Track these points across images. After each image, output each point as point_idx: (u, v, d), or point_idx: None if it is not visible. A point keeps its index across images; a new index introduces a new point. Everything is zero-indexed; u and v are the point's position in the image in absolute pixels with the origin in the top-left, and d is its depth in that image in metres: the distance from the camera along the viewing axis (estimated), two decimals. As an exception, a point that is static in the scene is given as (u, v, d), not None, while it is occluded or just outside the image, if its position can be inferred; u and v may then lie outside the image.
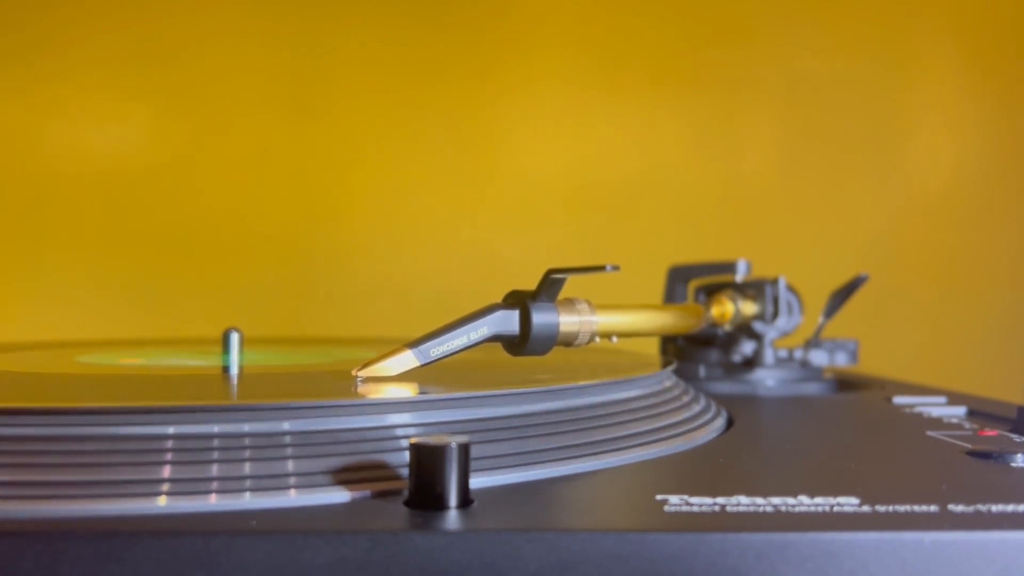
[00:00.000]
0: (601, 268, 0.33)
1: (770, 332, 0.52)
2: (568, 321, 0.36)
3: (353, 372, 0.34)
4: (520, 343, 0.35)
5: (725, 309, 0.51)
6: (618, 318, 0.40)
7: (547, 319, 0.35)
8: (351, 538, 0.22)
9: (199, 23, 0.86)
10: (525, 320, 0.35)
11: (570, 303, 0.37)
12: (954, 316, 0.92)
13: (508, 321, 0.35)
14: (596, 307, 0.38)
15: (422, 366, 0.34)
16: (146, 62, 0.86)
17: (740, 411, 0.43)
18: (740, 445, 0.35)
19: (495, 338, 0.35)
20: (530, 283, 0.36)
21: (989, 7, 0.93)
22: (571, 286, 0.36)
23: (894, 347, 0.88)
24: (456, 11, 0.89)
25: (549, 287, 0.35)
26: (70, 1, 0.84)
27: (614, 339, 0.40)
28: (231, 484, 0.25)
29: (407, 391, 0.32)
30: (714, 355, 0.54)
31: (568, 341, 0.37)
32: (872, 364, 0.63)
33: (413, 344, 0.34)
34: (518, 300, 0.36)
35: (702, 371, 0.53)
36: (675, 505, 0.25)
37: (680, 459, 0.32)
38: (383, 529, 0.22)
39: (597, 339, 0.38)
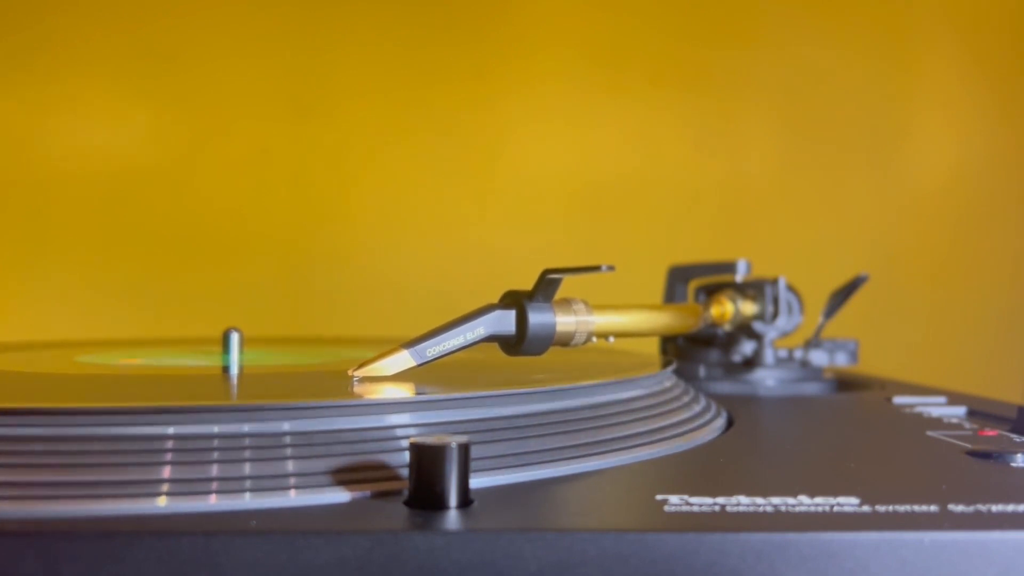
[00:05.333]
0: (596, 268, 0.33)
1: (770, 332, 0.52)
2: (565, 321, 0.36)
3: (349, 372, 0.34)
4: (516, 343, 0.35)
5: (725, 309, 0.51)
6: (615, 318, 0.40)
7: (543, 319, 0.35)
8: (351, 538, 0.22)
9: (199, 24, 0.86)
10: (521, 320, 0.35)
11: (567, 303, 0.37)
12: (954, 316, 0.92)
13: (504, 321, 0.35)
14: (593, 307, 0.38)
15: (418, 366, 0.34)
16: (146, 62, 0.86)
17: (740, 411, 0.43)
18: (740, 445, 0.35)
19: (491, 338, 0.35)
20: (530, 283, 0.36)
21: (989, 7, 0.93)
22: (570, 286, 0.36)
23: (894, 347, 0.88)
24: (456, 11, 0.89)
25: (545, 287, 0.35)
26: (70, 1, 0.84)
27: (611, 339, 0.40)
28: (231, 484, 0.25)
29: (407, 391, 0.32)
30: (714, 355, 0.54)
31: (565, 341, 0.37)
32: (872, 364, 0.63)
33: (409, 344, 0.34)
34: (515, 300, 0.36)
35: (702, 371, 0.53)
36: (675, 505, 0.25)
37: (680, 459, 0.32)
38: (383, 529, 0.22)
39: (594, 339, 0.38)
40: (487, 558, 0.22)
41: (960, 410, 0.44)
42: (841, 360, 0.53)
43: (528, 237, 0.88)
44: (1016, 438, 0.36)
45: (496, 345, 0.36)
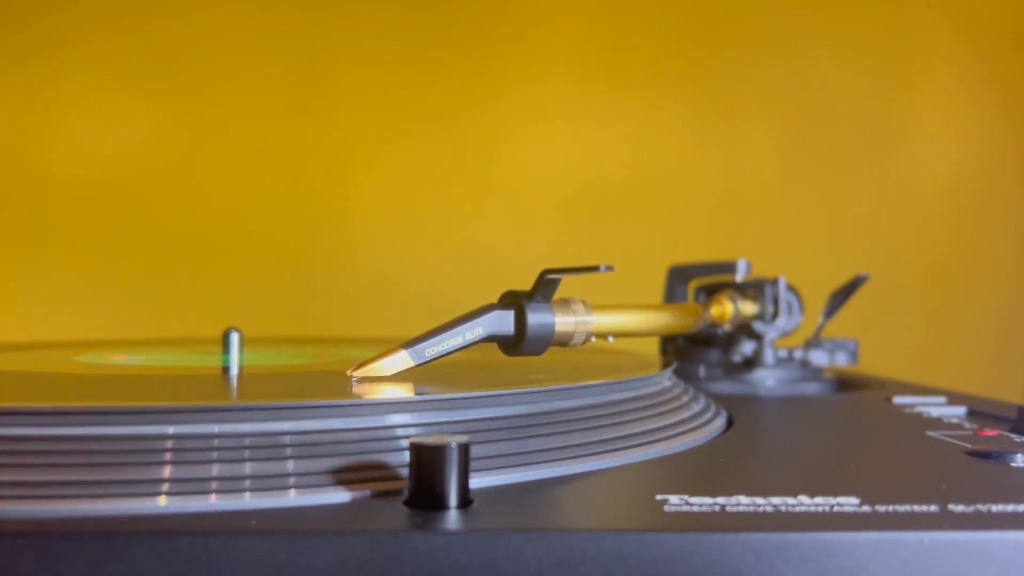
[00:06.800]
0: (595, 268, 0.33)
1: (770, 332, 0.52)
2: (564, 321, 0.36)
3: (348, 372, 0.34)
4: (515, 343, 0.35)
5: (725, 309, 0.51)
6: (614, 318, 0.40)
7: (542, 319, 0.35)
8: (351, 538, 0.22)
9: (199, 23, 0.86)
10: (520, 320, 0.35)
11: (566, 303, 0.37)
12: (954, 316, 0.92)
13: (503, 321, 0.35)
14: (592, 307, 0.38)
15: (417, 366, 0.34)
16: (146, 62, 0.86)
17: (740, 411, 0.43)
18: (740, 445, 0.35)
19: (490, 338, 0.35)
20: (529, 283, 0.36)
21: (989, 7, 0.93)
22: (570, 286, 0.36)
23: (894, 347, 0.88)
24: (456, 11, 0.89)
25: (544, 287, 0.35)
26: (70, 1, 0.84)
27: (610, 339, 0.40)
28: (231, 484, 0.25)
29: (407, 391, 0.32)
30: (714, 355, 0.54)
31: (564, 341, 0.37)
32: (872, 364, 0.63)
33: (408, 344, 0.34)
34: (514, 300, 0.36)
35: (702, 371, 0.53)
36: (675, 505, 0.25)
37: (680, 459, 0.32)
38: (383, 529, 0.22)
39: (593, 339, 0.38)
40: (487, 558, 0.22)
41: (960, 410, 0.44)
42: (841, 360, 0.53)
43: (528, 237, 0.88)
44: (1016, 438, 0.36)
45: (495, 345, 0.36)
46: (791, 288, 0.52)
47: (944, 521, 0.24)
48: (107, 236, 0.85)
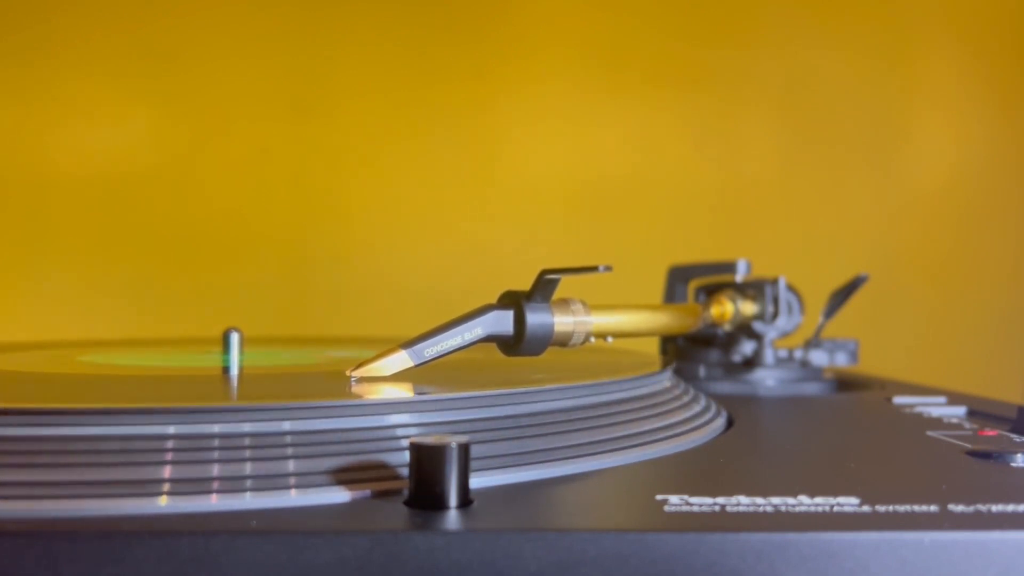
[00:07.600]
0: (594, 269, 0.33)
1: (770, 332, 0.52)
2: (563, 321, 0.36)
3: (347, 372, 0.34)
4: (514, 343, 0.35)
5: (725, 309, 0.51)
6: (613, 318, 0.40)
7: (541, 319, 0.35)
8: (351, 538, 0.22)
9: (199, 23, 0.86)
10: (519, 320, 0.35)
11: (565, 303, 0.37)
12: (954, 316, 0.92)
13: (502, 321, 0.35)
14: (592, 307, 0.38)
15: (416, 366, 0.34)
16: (146, 62, 0.86)
17: (740, 411, 0.43)
18: (740, 445, 0.35)
19: (489, 338, 0.35)
20: (529, 283, 0.36)
21: (989, 7, 0.93)
22: (569, 286, 0.36)
23: (894, 347, 0.88)
24: (456, 11, 0.89)
25: (543, 287, 0.35)
26: (70, 1, 0.84)
27: (609, 339, 0.40)
28: (231, 484, 0.25)
29: (407, 391, 0.32)
30: (714, 355, 0.54)
31: (563, 341, 0.37)
32: (872, 364, 0.63)
33: (407, 344, 0.34)
34: (513, 300, 0.36)
35: (702, 371, 0.53)
36: (675, 505, 0.25)
37: (680, 459, 0.32)
38: (383, 529, 0.22)
39: (592, 339, 0.38)
40: (487, 558, 0.22)
41: (960, 410, 0.44)
42: (841, 360, 0.53)
43: (528, 237, 0.88)
44: (1016, 438, 0.36)
45: (495, 345, 0.36)
46: (791, 288, 0.52)
47: (944, 521, 0.24)
48: (107, 236, 0.85)
